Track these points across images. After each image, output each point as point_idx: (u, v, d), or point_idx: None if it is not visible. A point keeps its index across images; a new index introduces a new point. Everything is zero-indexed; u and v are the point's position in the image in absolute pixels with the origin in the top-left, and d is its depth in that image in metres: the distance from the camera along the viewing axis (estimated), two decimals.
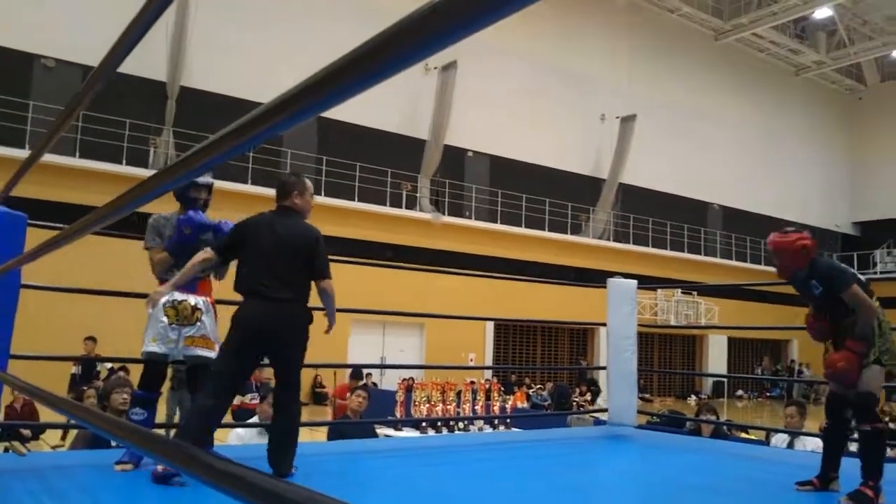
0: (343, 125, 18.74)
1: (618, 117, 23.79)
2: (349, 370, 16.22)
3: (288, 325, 3.39)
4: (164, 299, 3.53)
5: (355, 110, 18.71)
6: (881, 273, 29.64)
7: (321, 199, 17.62)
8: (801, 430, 5.99)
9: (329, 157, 18.26)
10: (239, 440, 5.31)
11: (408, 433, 7.14)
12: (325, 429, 7.05)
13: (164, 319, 3.54)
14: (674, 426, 7.56)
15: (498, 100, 21.55)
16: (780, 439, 6.24)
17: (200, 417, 3.26)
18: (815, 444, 5.81)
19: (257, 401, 6.75)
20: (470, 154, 21.49)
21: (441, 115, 19.80)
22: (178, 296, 3.57)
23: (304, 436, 8.12)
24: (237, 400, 8.42)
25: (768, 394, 25.77)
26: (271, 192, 13.82)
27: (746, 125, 28.52)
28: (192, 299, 3.63)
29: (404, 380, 10.28)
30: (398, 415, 7.56)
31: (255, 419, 5.61)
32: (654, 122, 24.52)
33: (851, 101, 33.37)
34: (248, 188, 16.47)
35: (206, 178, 3.76)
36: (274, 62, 16.95)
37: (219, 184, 15.11)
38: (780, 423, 6.56)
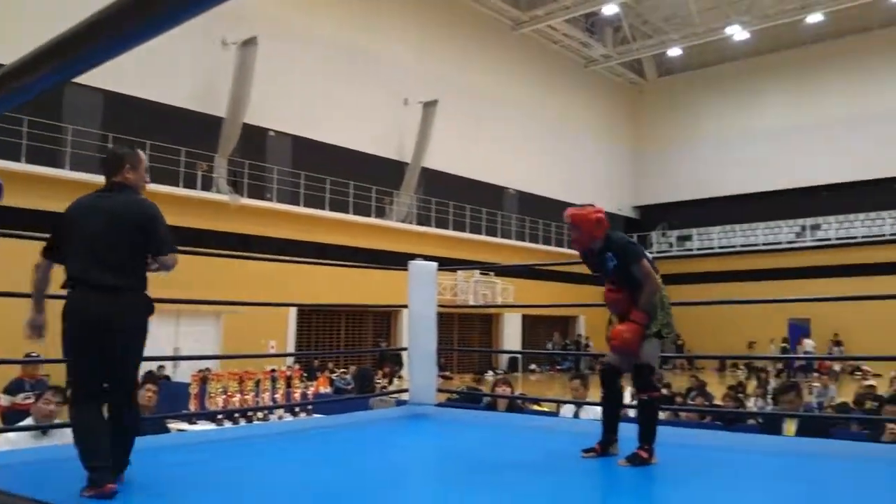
0: (132, 100, 17.52)
1: (420, 102, 24.12)
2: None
3: (119, 314, 3.00)
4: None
5: (147, 84, 17.56)
6: (657, 252, 32.51)
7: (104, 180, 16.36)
8: (585, 401, 6.39)
9: (116, 134, 16.90)
10: (11, 445, 4.78)
11: (203, 426, 6.82)
12: None
13: None
14: (471, 402, 7.80)
15: (301, 80, 21.08)
16: (567, 410, 6.63)
17: (89, 435, 2.90)
18: (597, 412, 6.21)
19: (32, 400, 6.14)
20: (271, 134, 20.85)
21: (240, 93, 18.96)
22: None
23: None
24: (6, 400, 7.62)
25: (559, 367, 27.44)
26: (50, 171, 12.70)
27: (540, 113, 30.00)
28: None
29: (200, 371, 9.82)
30: (192, 408, 7.19)
31: (28, 421, 5.10)
32: (455, 107, 25.13)
33: (634, 93, 36.16)
34: (24, 167, 14.98)
35: None
36: None
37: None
38: (569, 394, 6.96)
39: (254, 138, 19.99)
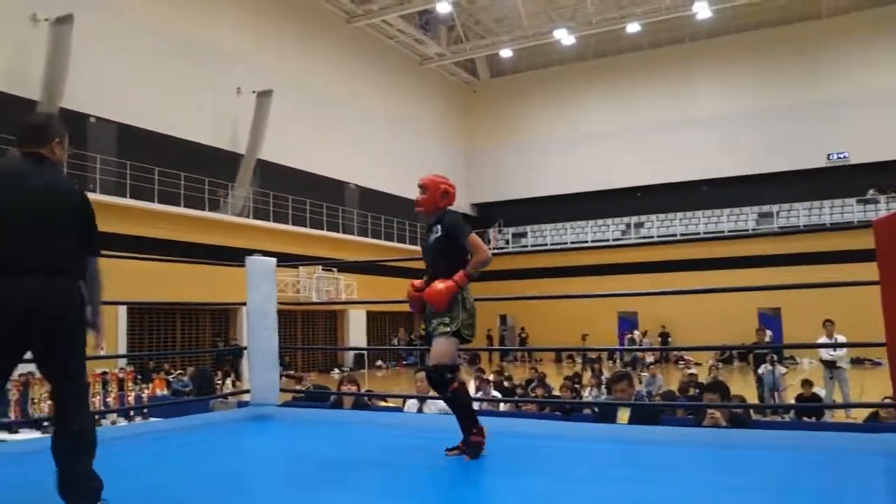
0: None
1: (254, 92, 23.39)
2: None
3: (56, 303, 2.59)
4: None
5: None
6: (495, 249, 33.47)
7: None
8: (428, 395, 6.46)
9: None
10: None
11: (26, 435, 6.29)
12: None
13: None
14: (317, 401, 7.69)
15: (126, 63, 19.72)
16: (411, 405, 6.68)
17: None
18: (440, 406, 6.32)
19: None
20: (93, 120, 19.44)
21: (55, 74, 17.43)
22: None
23: None
24: None
25: (405, 362, 27.66)
26: None
27: (378, 109, 30.01)
28: None
29: (21, 375, 9.04)
30: (13, 416, 6.61)
31: None
32: (291, 99, 24.61)
33: (468, 92, 36.98)
34: None
35: None
36: None
37: None
38: (414, 389, 7.02)
39: (74, 124, 18.55)
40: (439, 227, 3.81)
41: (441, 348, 3.64)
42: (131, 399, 6.59)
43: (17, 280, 2.54)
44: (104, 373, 6.78)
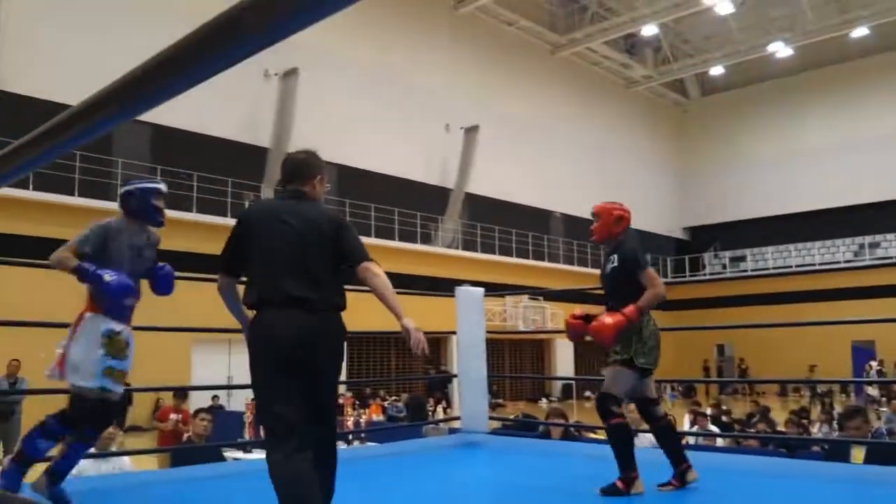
0: (180, 132, 17.94)
1: (462, 128, 24.21)
2: (193, 393, 15.48)
3: (323, 336, 2.62)
4: (103, 328, 3.03)
5: (195, 117, 17.98)
6: (709, 274, 31.94)
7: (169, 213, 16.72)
8: (638, 429, 6.22)
9: (163, 166, 17.32)
10: None
11: (258, 455, 6.83)
12: (158, 456, 6.61)
13: (100, 351, 3.01)
14: (525, 430, 7.68)
15: (342, 109, 21.29)
16: None
17: (303, 484, 2.46)
18: (651, 440, 6.06)
19: None
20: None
21: (283, 122, 19.32)
22: (116, 326, 3.09)
23: (141, 464, 7.62)
24: None
25: None
26: (100, 203, 12.96)
27: (583, 135, 29.86)
28: (126, 332, 3.16)
29: (253, 400, 9.87)
30: (247, 436, 7.23)
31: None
32: (496, 132, 25.15)
33: (678, 113, 35.81)
34: (75, 200, 15.40)
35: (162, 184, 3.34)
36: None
37: (44, 196, 13.99)
38: None
39: None
40: (615, 256, 3.70)
41: (609, 377, 3.56)
42: (350, 424, 6.93)
43: (291, 313, 2.58)
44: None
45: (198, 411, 6.33)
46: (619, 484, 3.41)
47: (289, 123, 19.34)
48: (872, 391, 19.46)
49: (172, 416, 8.16)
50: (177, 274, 3.69)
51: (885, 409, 12.67)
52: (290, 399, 2.52)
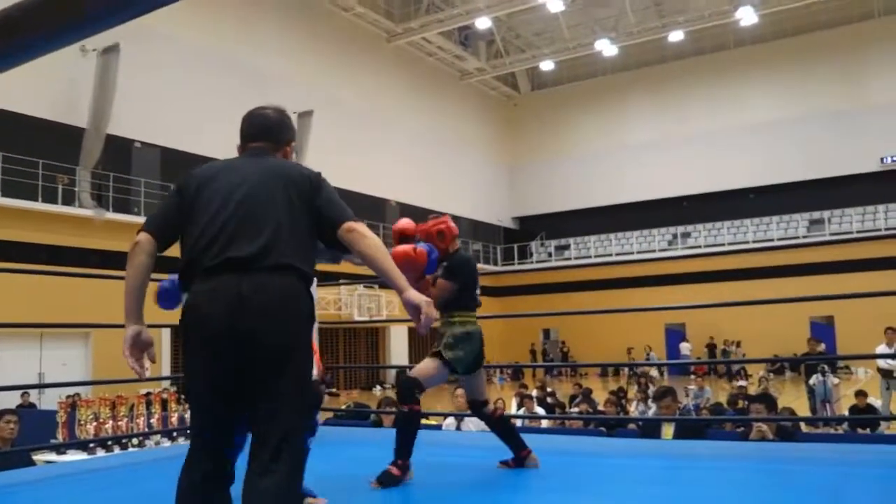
0: None
1: (295, 112, 23.66)
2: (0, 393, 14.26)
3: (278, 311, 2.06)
4: None
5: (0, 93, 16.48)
6: (536, 262, 33.34)
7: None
8: (466, 413, 6.41)
9: None
10: None
11: (74, 456, 6.40)
12: None
13: None
14: (357, 419, 7.69)
15: (168, 89, 20.17)
16: (449, 422, 6.64)
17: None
18: (478, 423, 6.27)
19: None
20: (137, 145, 19.90)
21: (102, 102, 17.92)
22: None
23: None
24: None
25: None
26: None
27: (418, 125, 30.17)
28: None
29: (68, 397, 9.25)
30: (61, 437, 6.74)
31: None
32: (331, 118, 24.82)
33: (508, 106, 36.98)
34: None
35: None
36: None
37: None
38: (453, 406, 6.97)
39: (119, 150, 19.02)
40: (445, 263, 3.73)
41: (421, 365, 3.62)
42: (174, 420, 6.66)
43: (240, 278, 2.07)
44: (148, 394, 6.88)
45: (1, 412, 5.81)
46: (394, 470, 3.41)
47: (108, 103, 18.00)
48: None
49: None
50: None
51: (692, 386, 13.77)
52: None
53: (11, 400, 12.48)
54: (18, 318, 12.59)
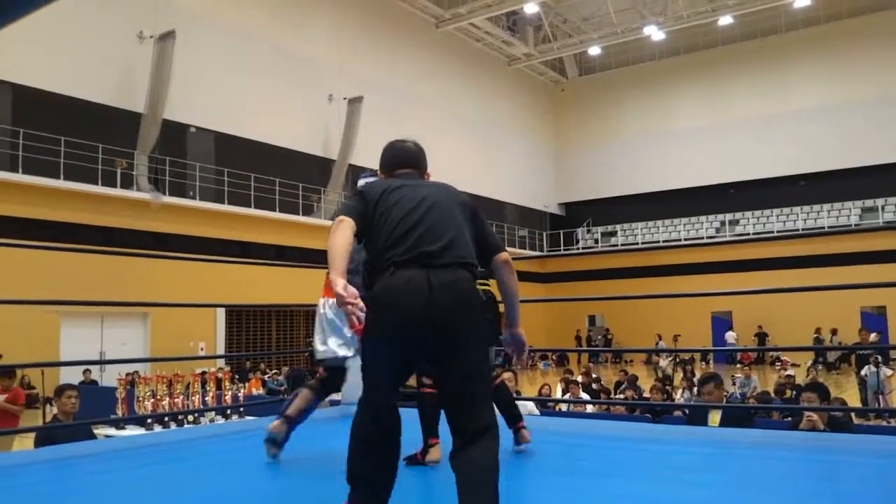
0: (44, 94, 16.84)
1: (345, 98, 23.91)
2: (64, 369, 14.76)
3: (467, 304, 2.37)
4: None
5: (62, 79, 16.95)
6: (583, 248, 33.15)
7: (19, 178, 15.72)
8: (514, 396, 6.43)
9: (27, 129, 16.23)
10: None
11: (132, 431, 6.65)
12: (31, 436, 6.31)
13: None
14: (407, 400, 7.78)
15: (222, 75, 20.55)
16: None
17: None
18: (524, 407, 6.32)
19: None
20: (192, 130, 20.33)
21: (159, 88, 18.37)
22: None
23: (8, 445, 7.24)
24: None
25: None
26: None
27: (465, 110, 30.15)
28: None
29: (127, 374, 9.57)
30: (120, 413, 6.99)
31: None
32: (381, 104, 24.97)
33: (556, 92, 36.69)
34: None
35: None
36: None
37: None
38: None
39: (175, 135, 19.48)
40: None
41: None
42: (228, 398, 6.85)
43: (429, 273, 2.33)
44: (203, 372, 7.08)
45: (63, 388, 6.05)
46: (419, 452, 3.56)
47: (164, 89, 18.43)
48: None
49: None
50: (41, 244, 3.51)
51: (739, 374, 13.62)
52: None
53: (75, 376, 12.95)
54: (80, 297, 13.03)
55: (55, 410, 6.20)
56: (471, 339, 2.33)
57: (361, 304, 2.22)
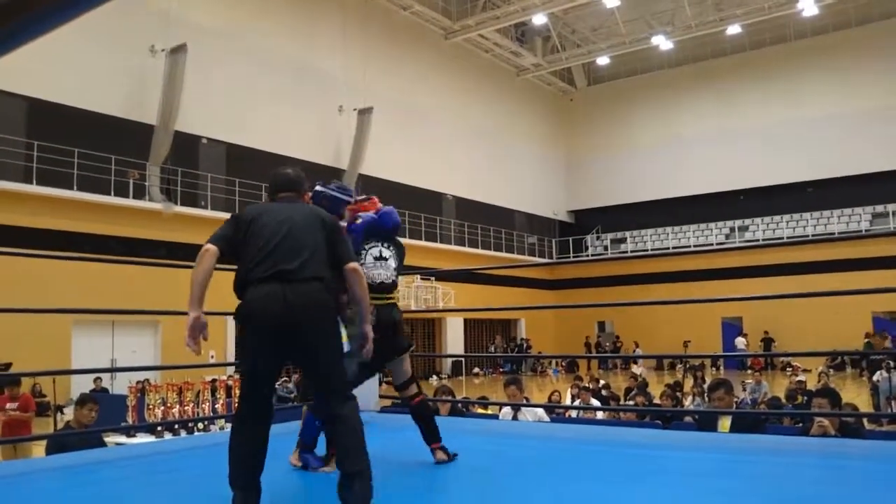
0: (57, 107, 17.01)
1: (355, 109, 24.03)
2: (75, 377, 14.83)
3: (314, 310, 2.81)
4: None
5: (75, 92, 17.12)
6: (591, 255, 33.09)
7: (32, 189, 15.87)
8: (522, 403, 6.47)
9: (41, 141, 16.40)
10: None
11: (142, 439, 6.67)
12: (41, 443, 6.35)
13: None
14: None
15: (233, 87, 20.74)
16: (506, 412, 6.70)
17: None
18: (536, 413, 6.33)
19: None
20: (204, 141, 20.48)
21: (171, 100, 18.55)
22: None
23: (27, 451, 7.28)
24: None
25: (502, 370, 27.66)
26: None
27: (475, 120, 30.21)
28: None
29: (138, 382, 9.61)
30: (130, 421, 7.03)
31: None
32: (390, 115, 25.09)
33: (564, 101, 36.73)
34: None
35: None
36: None
37: None
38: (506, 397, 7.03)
39: (186, 146, 19.62)
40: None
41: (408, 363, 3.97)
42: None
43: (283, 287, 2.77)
44: (213, 380, 7.11)
45: (86, 399, 6.08)
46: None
47: (176, 101, 18.58)
48: None
49: (9, 405, 7.69)
50: (53, 253, 3.57)
51: (749, 380, 13.54)
52: None
53: (86, 383, 13.03)
54: (91, 305, 13.11)
55: (67, 418, 6.23)
56: (319, 338, 2.80)
57: (198, 338, 2.82)
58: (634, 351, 26.85)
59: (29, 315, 13.50)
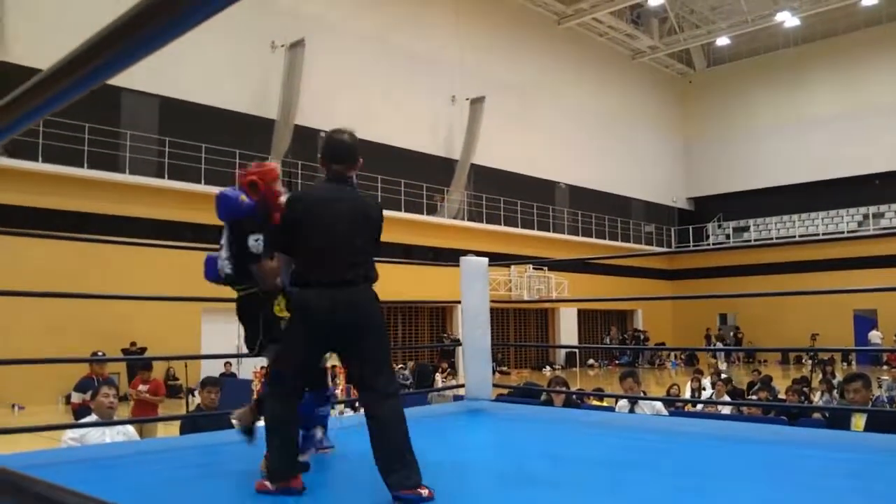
0: (187, 104, 17.97)
1: (467, 99, 24.13)
2: (205, 361, 15.65)
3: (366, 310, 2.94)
4: None
5: (202, 90, 18.03)
6: (713, 244, 31.97)
7: (164, 183, 16.80)
8: (639, 396, 6.33)
9: (173, 138, 17.38)
10: (81, 440, 4.97)
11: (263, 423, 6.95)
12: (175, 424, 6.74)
13: None
14: (528, 397, 7.79)
15: (348, 79, 21.26)
16: (622, 405, 6.59)
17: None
18: (653, 406, 6.19)
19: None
20: (323, 135, 21.06)
21: (290, 95, 19.27)
22: None
23: (160, 431, 7.75)
24: (77, 398, 7.90)
25: (617, 361, 27.20)
26: (109, 175, 13.01)
27: (589, 106, 29.73)
28: None
29: (262, 368, 10.00)
30: None
31: (92, 417, 5.28)
32: (502, 103, 25.06)
33: (682, 84, 35.57)
34: (84, 172, 15.49)
35: None
36: None
37: (53, 168, 14.02)
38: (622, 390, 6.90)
39: (306, 139, 20.27)
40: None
41: None
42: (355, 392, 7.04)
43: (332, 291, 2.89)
44: (333, 365, 7.30)
45: (205, 382, 6.44)
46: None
47: (295, 95, 19.29)
48: None
49: (141, 386, 8.32)
50: (185, 244, 3.77)
51: (886, 377, 12.75)
52: None
53: (216, 368, 13.74)
54: (218, 294, 13.77)
55: (198, 400, 6.60)
56: (366, 335, 2.88)
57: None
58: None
59: (165, 303, 14.38)
